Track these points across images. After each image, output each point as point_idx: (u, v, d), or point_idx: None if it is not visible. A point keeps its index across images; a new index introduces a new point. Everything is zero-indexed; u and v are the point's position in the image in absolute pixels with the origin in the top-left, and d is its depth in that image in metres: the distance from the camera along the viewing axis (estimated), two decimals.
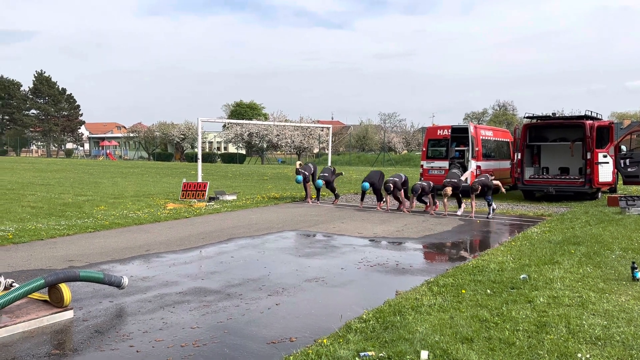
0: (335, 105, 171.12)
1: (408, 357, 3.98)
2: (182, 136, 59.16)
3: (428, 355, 4.01)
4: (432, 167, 17.08)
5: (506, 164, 18.15)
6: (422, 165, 17.50)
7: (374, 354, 4.05)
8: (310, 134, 50.51)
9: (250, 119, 57.62)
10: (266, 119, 58.56)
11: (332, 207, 14.34)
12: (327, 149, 25.06)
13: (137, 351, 4.31)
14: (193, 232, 10.06)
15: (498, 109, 69.74)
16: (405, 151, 55.08)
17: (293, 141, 50.37)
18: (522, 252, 7.98)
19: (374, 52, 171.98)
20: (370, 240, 9.46)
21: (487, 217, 12.27)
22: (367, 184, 13.67)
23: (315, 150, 53.31)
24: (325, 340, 4.37)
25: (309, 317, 5.22)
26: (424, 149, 17.64)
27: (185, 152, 59.55)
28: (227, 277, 6.71)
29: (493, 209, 12.52)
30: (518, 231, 10.37)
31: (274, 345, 4.44)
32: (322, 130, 48.17)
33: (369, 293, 6.18)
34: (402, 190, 13.58)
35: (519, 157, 15.91)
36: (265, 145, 52.72)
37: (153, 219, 11.40)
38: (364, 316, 5.00)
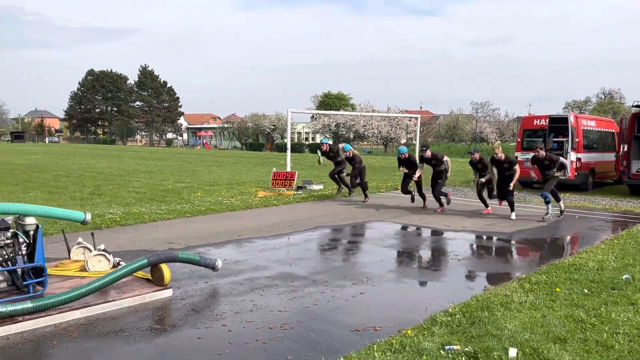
0: (425, 94, 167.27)
1: (495, 353, 3.88)
2: (272, 127, 60.80)
3: (517, 353, 3.88)
4: (527, 158, 16.25)
5: (610, 157, 16.90)
6: (516, 157, 16.72)
7: (459, 348, 3.99)
8: (398, 124, 49.86)
9: (338, 110, 57.97)
10: (353, 109, 58.56)
11: (417, 198, 14.11)
12: (415, 140, 24.63)
13: (229, 330, 4.56)
14: (282, 219, 10.37)
15: (603, 97, 64.56)
16: (499, 142, 52.76)
17: (380, 131, 50.02)
18: (626, 250, 7.43)
19: (467, 39, 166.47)
20: (458, 233, 9.24)
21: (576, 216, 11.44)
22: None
23: (403, 141, 52.56)
24: (409, 332, 4.37)
25: (393, 307, 5.23)
26: (519, 140, 16.86)
27: (275, 142, 61.14)
28: (313, 264, 6.87)
29: (562, 210, 11.23)
30: (622, 229, 9.65)
31: (358, 333, 4.51)
32: (410, 120, 47.36)
33: (456, 287, 6.06)
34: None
35: (625, 149, 14.76)
36: (352, 136, 52.83)
37: (245, 206, 11.89)
38: (450, 310, 4.93)
